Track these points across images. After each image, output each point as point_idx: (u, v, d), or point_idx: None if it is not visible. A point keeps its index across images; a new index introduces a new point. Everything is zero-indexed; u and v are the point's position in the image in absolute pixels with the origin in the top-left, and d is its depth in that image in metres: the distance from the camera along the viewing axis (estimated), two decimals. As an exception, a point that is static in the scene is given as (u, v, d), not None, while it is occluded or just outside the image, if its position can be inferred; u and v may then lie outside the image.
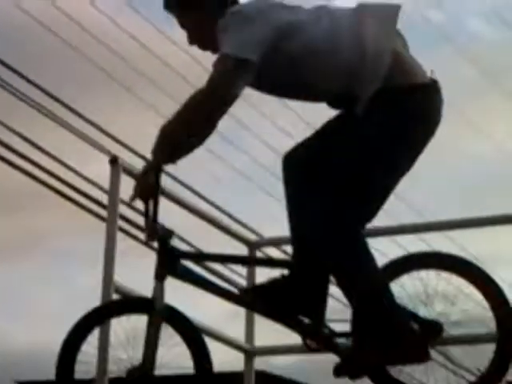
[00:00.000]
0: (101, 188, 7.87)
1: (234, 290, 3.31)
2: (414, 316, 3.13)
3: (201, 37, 3.24)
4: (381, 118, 3.07)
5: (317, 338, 3.16)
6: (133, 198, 3.16)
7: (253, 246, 4.55)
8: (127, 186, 4.01)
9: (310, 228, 3.11)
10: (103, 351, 3.48)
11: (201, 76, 3.28)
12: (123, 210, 7.13)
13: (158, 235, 3.15)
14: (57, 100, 8.76)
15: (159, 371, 3.17)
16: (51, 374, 3.21)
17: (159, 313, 3.10)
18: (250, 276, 4.41)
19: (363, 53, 3.06)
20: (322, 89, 3.16)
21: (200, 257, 3.50)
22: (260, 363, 4.82)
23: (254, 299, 3.22)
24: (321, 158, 3.17)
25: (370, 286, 3.04)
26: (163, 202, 3.82)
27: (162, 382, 3.32)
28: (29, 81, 8.50)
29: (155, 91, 9.97)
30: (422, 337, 3.04)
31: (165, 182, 3.30)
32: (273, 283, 3.19)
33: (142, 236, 7.92)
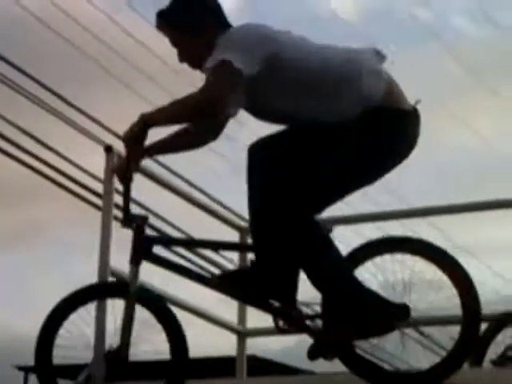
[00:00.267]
0: (99, 179, 8.03)
1: (207, 275, 3.44)
2: (381, 298, 3.26)
3: (190, 55, 3.37)
4: (372, 133, 3.23)
5: (288, 320, 3.30)
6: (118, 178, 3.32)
7: (244, 231, 4.67)
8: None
9: (270, 213, 3.24)
10: (101, 336, 3.58)
11: (197, 73, 3.39)
12: (119, 199, 7.31)
13: (132, 222, 3.27)
14: (57, 95, 8.93)
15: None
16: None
17: (133, 296, 3.22)
18: (242, 261, 4.52)
19: (360, 70, 3.25)
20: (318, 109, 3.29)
21: (173, 242, 3.62)
22: (251, 348, 4.99)
23: (225, 284, 3.34)
24: (294, 153, 3.34)
25: (334, 270, 3.21)
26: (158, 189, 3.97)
27: (141, 367, 3.50)
28: (28, 75, 8.66)
29: (153, 87, 10.15)
30: (386, 311, 3.19)
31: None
32: (243, 269, 3.42)
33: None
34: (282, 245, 3.25)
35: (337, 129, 3.25)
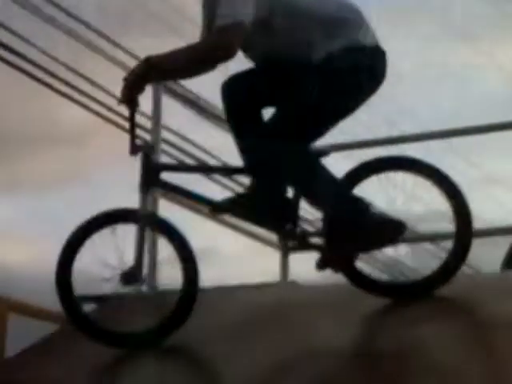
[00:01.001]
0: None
1: (213, 199, 3.56)
2: (378, 213, 3.44)
3: None
4: (351, 70, 3.42)
5: (293, 238, 3.54)
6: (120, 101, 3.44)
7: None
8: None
9: (266, 146, 3.43)
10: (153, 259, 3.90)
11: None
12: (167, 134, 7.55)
13: (140, 150, 3.44)
14: (104, 36, 9.15)
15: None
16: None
17: (145, 221, 3.43)
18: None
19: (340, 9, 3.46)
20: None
21: (181, 168, 3.78)
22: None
23: (233, 208, 3.55)
24: (274, 88, 3.51)
25: (332, 188, 3.41)
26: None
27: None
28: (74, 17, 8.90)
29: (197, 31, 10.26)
30: (383, 225, 3.39)
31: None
32: (248, 192, 3.56)
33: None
34: (279, 172, 3.48)
35: (318, 67, 3.42)
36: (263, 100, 3.55)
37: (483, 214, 5.22)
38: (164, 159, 5.34)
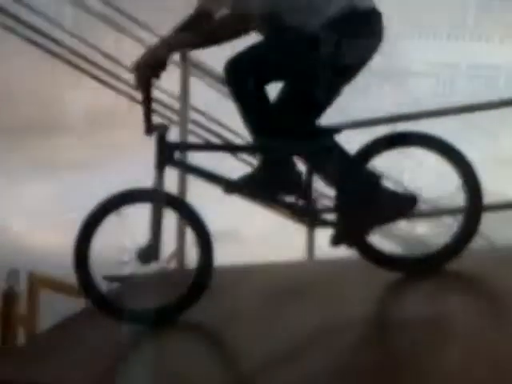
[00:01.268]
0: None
1: (229, 178, 3.59)
2: (389, 188, 3.51)
3: None
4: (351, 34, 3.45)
5: (306, 215, 3.59)
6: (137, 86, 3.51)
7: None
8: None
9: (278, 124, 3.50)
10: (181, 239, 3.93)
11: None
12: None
13: (155, 130, 3.49)
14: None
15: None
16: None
17: (159, 200, 3.48)
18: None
19: None
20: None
21: (195, 147, 3.79)
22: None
23: (242, 186, 3.58)
24: (278, 63, 3.54)
25: (344, 164, 3.47)
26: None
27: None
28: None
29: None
30: (395, 200, 3.46)
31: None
32: (255, 172, 3.59)
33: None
34: (290, 149, 3.54)
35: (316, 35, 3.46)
36: (268, 75, 3.56)
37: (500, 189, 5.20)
38: (192, 139, 5.43)
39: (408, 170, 3.66)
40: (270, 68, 3.56)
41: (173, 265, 3.86)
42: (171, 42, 3.50)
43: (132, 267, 3.60)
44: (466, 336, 2.93)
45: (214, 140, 8.78)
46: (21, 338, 4.98)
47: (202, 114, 8.93)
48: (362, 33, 3.47)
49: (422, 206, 3.57)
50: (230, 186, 3.56)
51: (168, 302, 3.57)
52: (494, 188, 3.85)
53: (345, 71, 3.49)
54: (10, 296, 5.18)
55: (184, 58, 4.85)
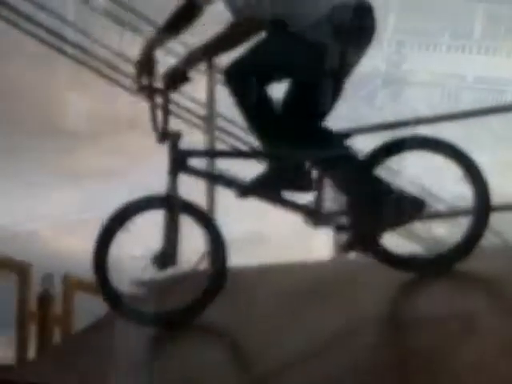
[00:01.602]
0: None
1: (239, 182, 3.69)
2: (399, 192, 3.60)
3: None
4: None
5: (317, 215, 3.64)
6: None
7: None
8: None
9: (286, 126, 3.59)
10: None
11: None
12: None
13: (167, 138, 3.60)
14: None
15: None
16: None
17: (174, 205, 3.58)
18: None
19: None
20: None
21: (208, 153, 3.97)
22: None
23: (253, 190, 3.66)
24: (277, 65, 3.63)
25: (354, 169, 3.57)
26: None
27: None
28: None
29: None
30: (405, 204, 3.56)
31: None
32: (263, 174, 3.66)
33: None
34: (301, 152, 3.63)
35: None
36: (269, 77, 3.61)
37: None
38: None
39: (426, 172, 3.75)
40: (272, 69, 3.61)
41: (203, 266, 3.98)
42: (190, 59, 3.60)
43: (150, 272, 3.70)
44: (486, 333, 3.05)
45: (242, 147, 8.83)
46: (56, 338, 5.14)
47: (229, 121, 8.99)
48: (353, 27, 3.55)
49: (439, 207, 3.66)
50: (242, 191, 3.64)
51: (182, 305, 3.69)
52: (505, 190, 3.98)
53: (341, 68, 3.58)
54: (46, 298, 5.36)
55: (210, 66, 4.97)
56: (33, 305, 5.30)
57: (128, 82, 7.75)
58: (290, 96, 3.65)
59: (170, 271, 3.70)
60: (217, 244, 3.66)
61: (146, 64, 3.66)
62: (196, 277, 3.78)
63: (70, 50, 8.11)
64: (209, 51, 3.67)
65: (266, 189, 3.63)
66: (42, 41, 7.65)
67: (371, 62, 14.36)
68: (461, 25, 15.23)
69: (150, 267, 3.64)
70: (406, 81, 14.68)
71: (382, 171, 3.67)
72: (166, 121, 3.61)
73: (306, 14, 3.56)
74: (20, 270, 5.07)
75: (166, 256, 3.61)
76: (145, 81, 3.65)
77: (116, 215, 3.65)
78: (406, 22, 15.74)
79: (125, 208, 3.65)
